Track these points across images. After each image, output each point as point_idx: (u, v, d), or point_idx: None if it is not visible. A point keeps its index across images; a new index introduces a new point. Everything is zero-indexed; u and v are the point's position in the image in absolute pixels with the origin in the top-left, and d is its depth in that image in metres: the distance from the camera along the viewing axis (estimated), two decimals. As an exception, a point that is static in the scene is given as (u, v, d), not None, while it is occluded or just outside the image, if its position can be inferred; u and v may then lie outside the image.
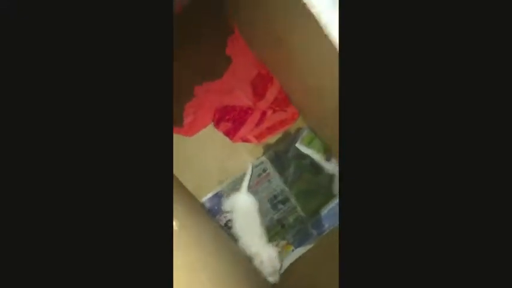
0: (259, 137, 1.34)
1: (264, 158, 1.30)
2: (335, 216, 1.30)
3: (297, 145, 1.34)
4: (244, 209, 1.14)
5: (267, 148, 1.34)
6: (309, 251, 1.25)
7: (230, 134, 1.32)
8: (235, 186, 1.28)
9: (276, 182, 1.31)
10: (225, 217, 1.26)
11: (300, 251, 1.26)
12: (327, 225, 1.31)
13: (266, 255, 1.03)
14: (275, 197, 1.29)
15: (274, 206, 1.29)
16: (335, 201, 1.33)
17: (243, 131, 1.33)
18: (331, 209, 1.33)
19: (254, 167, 1.30)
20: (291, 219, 1.27)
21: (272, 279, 0.99)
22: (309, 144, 1.36)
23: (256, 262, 1.00)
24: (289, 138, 1.37)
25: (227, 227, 1.25)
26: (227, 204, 1.12)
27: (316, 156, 1.35)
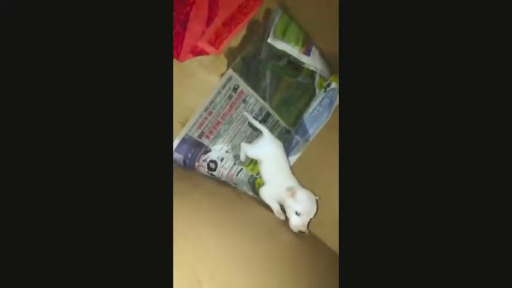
0: (216, 42, 0.88)
1: (230, 72, 0.91)
2: (317, 119, 1.13)
3: (270, 40, 0.95)
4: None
5: (231, 56, 0.92)
6: (300, 160, 1.13)
7: (174, 51, 0.82)
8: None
9: (253, 100, 0.99)
10: (204, 161, 0.97)
11: (290, 159, 1.13)
12: (311, 131, 1.15)
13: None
14: (255, 118, 1.00)
15: (255, 129, 1.03)
16: (317, 101, 1.13)
17: (189, 39, 0.84)
18: (312, 111, 1.14)
19: (221, 88, 0.92)
20: (275, 134, 1.06)
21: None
22: (283, 35, 0.98)
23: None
24: (258, 33, 0.94)
25: (210, 170, 0.98)
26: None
27: (294, 50, 1.00)
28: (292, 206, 0.80)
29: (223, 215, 0.64)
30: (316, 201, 0.83)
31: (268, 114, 1.03)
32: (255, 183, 1.10)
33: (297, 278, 0.50)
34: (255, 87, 0.96)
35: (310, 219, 0.82)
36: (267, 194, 0.90)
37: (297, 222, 0.78)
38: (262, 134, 1.00)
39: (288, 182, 0.87)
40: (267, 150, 0.96)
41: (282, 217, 0.85)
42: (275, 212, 0.86)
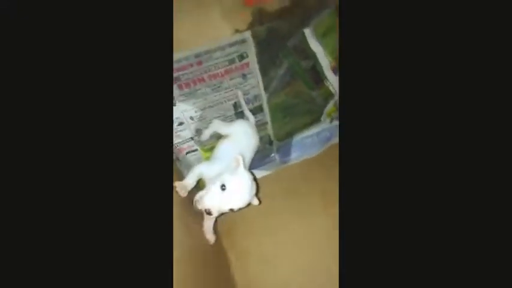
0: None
1: (247, 35, 0.73)
2: (306, 149, 0.95)
3: (306, 32, 0.79)
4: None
5: (258, 19, 0.74)
6: (265, 178, 0.93)
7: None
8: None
9: (253, 82, 0.80)
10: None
11: (256, 173, 0.93)
12: (293, 155, 0.97)
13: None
14: (246, 101, 0.81)
15: (238, 114, 0.83)
16: (317, 129, 0.96)
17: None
18: (306, 138, 0.96)
19: (227, 45, 0.73)
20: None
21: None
22: (323, 35, 0.82)
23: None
24: (299, 15, 0.78)
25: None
26: None
27: (325, 59, 0.85)
28: (223, 177, 0.56)
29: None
30: (254, 198, 0.60)
31: (259, 110, 0.84)
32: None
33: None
34: (264, 70, 0.78)
35: (223, 213, 0.58)
36: (205, 169, 0.65)
37: (212, 199, 0.55)
38: (244, 119, 0.80)
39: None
40: (240, 133, 0.76)
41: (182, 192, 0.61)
42: (197, 196, 0.59)
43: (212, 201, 0.55)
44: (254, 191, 0.60)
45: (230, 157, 0.61)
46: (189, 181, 0.62)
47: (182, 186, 0.60)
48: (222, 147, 0.74)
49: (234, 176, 0.56)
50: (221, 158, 0.69)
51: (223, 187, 0.55)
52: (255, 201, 0.61)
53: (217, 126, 0.79)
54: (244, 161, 0.61)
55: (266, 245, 0.79)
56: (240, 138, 0.75)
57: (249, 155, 0.76)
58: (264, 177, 0.96)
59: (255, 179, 0.61)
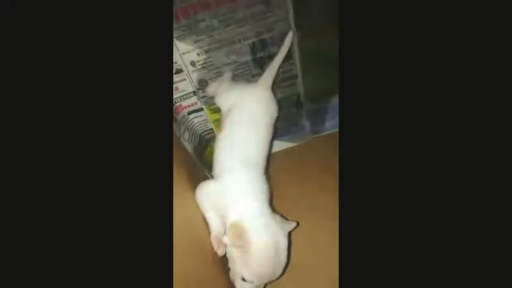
0: None
1: None
2: None
3: None
4: None
5: None
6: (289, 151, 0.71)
7: None
8: None
9: (280, 13, 0.56)
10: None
11: (278, 144, 0.71)
12: (329, 124, 0.73)
13: None
14: (268, 42, 0.57)
15: (257, 60, 0.59)
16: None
17: None
18: None
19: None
20: (280, 98, 0.64)
21: None
22: None
23: None
24: None
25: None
26: None
27: None
28: (237, 265, 0.45)
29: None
30: (284, 250, 0.46)
31: (287, 56, 0.59)
32: (207, 147, 0.68)
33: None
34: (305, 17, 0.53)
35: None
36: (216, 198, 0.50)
37: None
38: (260, 81, 0.57)
39: (245, 193, 0.49)
40: (248, 102, 0.56)
41: (220, 250, 0.48)
42: (212, 233, 0.49)
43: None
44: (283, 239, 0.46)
45: (232, 162, 0.50)
46: (216, 232, 0.49)
47: (215, 242, 0.48)
48: (222, 139, 0.55)
49: (246, 264, 0.43)
50: (223, 165, 0.52)
51: (243, 279, 0.45)
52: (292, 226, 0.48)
53: (226, 83, 0.56)
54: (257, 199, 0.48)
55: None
56: (245, 117, 0.55)
57: (261, 146, 0.55)
58: (287, 150, 0.73)
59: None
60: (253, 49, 0.59)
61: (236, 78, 0.62)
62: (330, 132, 0.75)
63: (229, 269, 0.49)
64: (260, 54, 0.60)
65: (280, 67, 0.60)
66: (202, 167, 0.66)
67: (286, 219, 0.50)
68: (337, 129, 0.74)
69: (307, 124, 0.75)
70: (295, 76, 0.65)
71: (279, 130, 0.75)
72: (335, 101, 0.72)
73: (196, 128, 0.66)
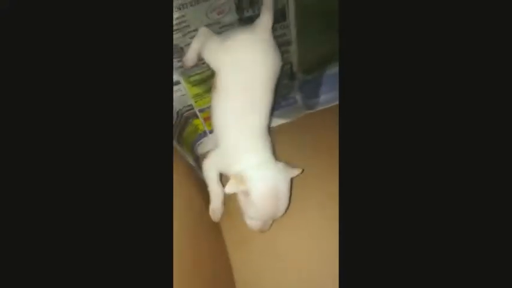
0: None
1: None
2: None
3: None
4: None
5: None
6: (280, 128, 0.64)
7: None
8: None
9: None
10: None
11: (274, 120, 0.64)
12: (323, 98, 0.65)
13: None
14: None
15: (244, 20, 0.49)
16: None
17: None
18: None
19: None
20: None
21: None
22: None
23: None
24: None
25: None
26: None
27: None
28: (244, 206, 0.50)
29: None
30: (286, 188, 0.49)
31: (279, 15, 0.49)
32: (186, 126, 0.58)
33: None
34: None
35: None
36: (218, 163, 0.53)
37: (253, 225, 0.51)
38: (257, 24, 0.48)
39: (248, 146, 0.50)
40: (244, 55, 0.48)
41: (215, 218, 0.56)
42: (211, 205, 0.55)
43: (255, 227, 0.51)
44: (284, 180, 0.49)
45: (232, 122, 0.49)
46: (216, 203, 0.54)
47: (212, 212, 0.55)
48: (217, 100, 0.49)
49: (250, 204, 0.48)
50: (222, 126, 0.51)
51: (251, 217, 0.51)
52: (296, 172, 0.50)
53: (206, 39, 0.45)
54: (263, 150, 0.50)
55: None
56: (252, 66, 0.47)
57: (264, 101, 0.50)
58: (277, 128, 0.65)
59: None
60: (239, 6, 0.47)
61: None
62: (325, 107, 0.67)
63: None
64: (249, 14, 0.49)
65: (273, 29, 0.50)
66: (183, 151, 0.56)
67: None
68: (333, 104, 0.67)
69: (299, 97, 0.66)
70: (289, 42, 0.55)
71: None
72: (331, 71, 0.64)
73: (173, 105, 0.56)
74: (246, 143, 0.49)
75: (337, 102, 0.66)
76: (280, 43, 0.55)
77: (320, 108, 0.68)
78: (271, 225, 0.52)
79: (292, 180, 0.50)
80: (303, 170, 0.50)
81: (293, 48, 0.57)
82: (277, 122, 0.67)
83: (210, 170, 0.53)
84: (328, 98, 0.67)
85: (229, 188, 0.46)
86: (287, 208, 0.50)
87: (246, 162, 0.48)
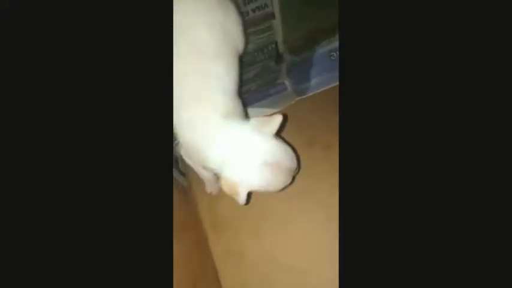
0: None
1: None
2: (331, 70, 0.56)
3: None
4: None
5: None
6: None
7: None
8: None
9: None
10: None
11: (253, 112, 0.55)
12: (314, 81, 0.58)
13: None
14: None
15: None
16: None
17: None
18: (332, 52, 0.56)
19: None
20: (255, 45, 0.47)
21: None
22: None
23: None
24: None
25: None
26: None
27: None
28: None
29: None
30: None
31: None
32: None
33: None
34: None
35: None
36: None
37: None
38: None
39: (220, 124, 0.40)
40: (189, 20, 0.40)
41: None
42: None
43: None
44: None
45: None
46: (209, 185, 0.52)
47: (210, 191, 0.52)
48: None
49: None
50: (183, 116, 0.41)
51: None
52: None
53: None
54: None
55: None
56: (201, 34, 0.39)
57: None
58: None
59: None
60: None
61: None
62: (316, 91, 0.60)
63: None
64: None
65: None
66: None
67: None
68: (324, 88, 0.59)
69: (288, 83, 0.59)
70: (272, 15, 0.48)
71: (253, 92, 0.58)
72: (321, 50, 0.57)
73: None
74: (214, 136, 0.40)
75: (329, 86, 0.59)
76: (261, 16, 0.48)
77: (311, 93, 0.61)
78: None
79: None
80: (285, 116, 0.41)
81: (276, 22, 0.50)
82: (266, 112, 0.59)
83: (192, 161, 0.47)
84: (320, 81, 0.60)
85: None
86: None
87: (216, 154, 0.40)
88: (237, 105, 0.42)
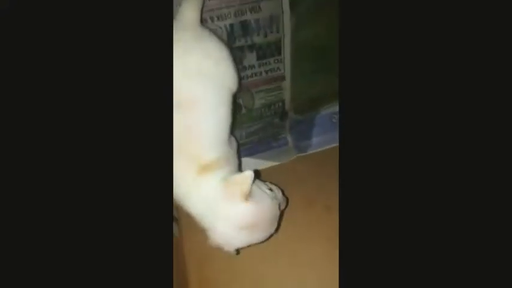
0: None
1: None
2: (332, 132, 0.58)
3: None
4: None
5: None
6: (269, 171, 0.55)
7: None
8: None
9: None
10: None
11: (256, 163, 0.55)
12: (315, 140, 0.60)
13: None
14: (254, 28, 0.43)
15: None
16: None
17: None
18: (334, 114, 0.59)
19: None
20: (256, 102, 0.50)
21: None
22: None
23: None
24: None
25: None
26: None
27: None
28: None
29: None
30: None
31: (275, 49, 0.46)
32: None
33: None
34: None
35: None
36: None
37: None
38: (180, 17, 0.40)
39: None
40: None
41: None
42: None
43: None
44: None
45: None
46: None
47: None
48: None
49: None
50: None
51: None
52: None
53: None
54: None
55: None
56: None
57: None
58: (266, 171, 0.58)
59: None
60: (231, 34, 0.44)
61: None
62: (316, 150, 0.62)
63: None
64: (240, 43, 0.45)
65: (265, 62, 0.46)
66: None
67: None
68: (325, 148, 0.61)
69: (290, 139, 0.61)
70: (283, 77, 0.52)
71: (256, 144, 0.60)
72: (324, 112, 0.60)
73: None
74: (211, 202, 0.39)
75: (329, 146, 0.61)
76: (273, 78, 0.51)
77: (311, 151, 0.63)
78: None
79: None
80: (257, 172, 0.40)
81: (286, 84, 0.53)
82: (266, 164, 0.60)
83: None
84: (321, 140, 0.62)
85: None
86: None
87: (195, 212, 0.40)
88: (224, 155, 0.40)
